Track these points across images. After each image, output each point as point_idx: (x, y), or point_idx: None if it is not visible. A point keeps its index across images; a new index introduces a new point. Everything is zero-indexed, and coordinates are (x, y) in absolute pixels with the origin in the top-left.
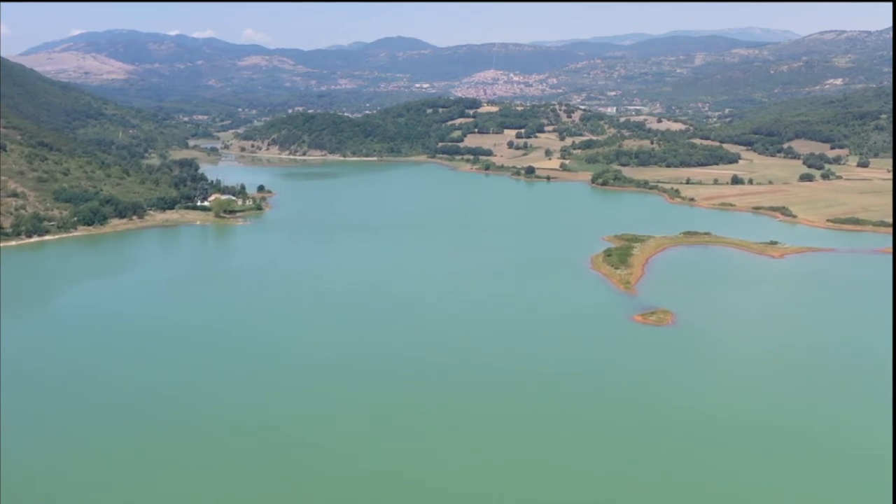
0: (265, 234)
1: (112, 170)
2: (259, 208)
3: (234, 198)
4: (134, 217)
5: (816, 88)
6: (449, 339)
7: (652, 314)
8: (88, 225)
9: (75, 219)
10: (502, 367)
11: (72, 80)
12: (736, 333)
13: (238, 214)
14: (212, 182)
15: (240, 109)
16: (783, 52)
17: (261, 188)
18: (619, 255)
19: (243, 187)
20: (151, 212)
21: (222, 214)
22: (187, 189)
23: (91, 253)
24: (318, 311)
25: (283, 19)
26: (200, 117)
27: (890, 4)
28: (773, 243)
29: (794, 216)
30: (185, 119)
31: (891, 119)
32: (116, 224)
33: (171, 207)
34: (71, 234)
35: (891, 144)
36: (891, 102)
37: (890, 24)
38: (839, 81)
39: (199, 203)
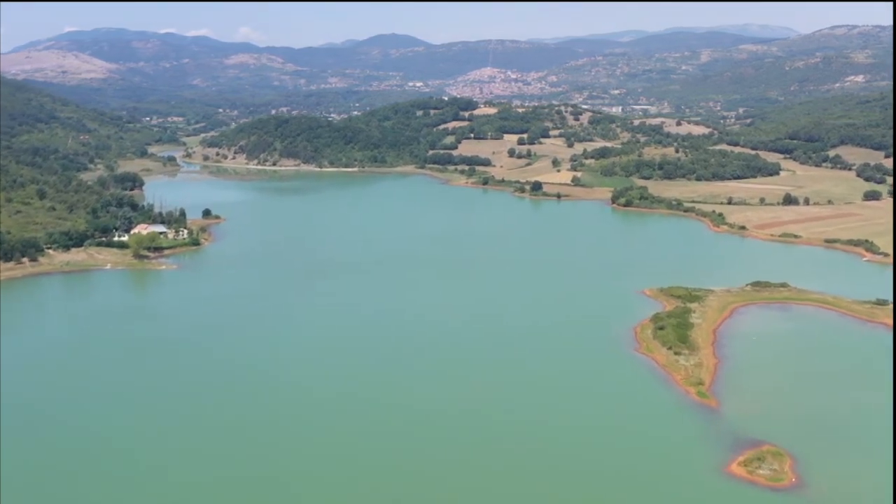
0: (193, 284)
1: (22, 191)
2: (196, 243)
3: (162, 230)
4: (24, 259)
5: (836, 86)
6: None
7: (758, 461)
8: None
9: None
10: None
11: (48, 80)
12: None
13: (166, 252)
14: (143, 206)
15: (220, 110)
16: (794, 47)
17: (206, 213)
18: (675, 326)
19: (183, 213)
20: (52, 251)
21: (143, 253)
22: (108, 217)
23: None
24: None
25: (277, 17)
26: (175, 119)
27: (890, 4)
28: (882, 303)
29: (886, 254)
30: (158, 121)
31: None
32: None
33: (80, 244)
34: None
35: None
36: None
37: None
38: (860, 78)
39: (117, 237)
